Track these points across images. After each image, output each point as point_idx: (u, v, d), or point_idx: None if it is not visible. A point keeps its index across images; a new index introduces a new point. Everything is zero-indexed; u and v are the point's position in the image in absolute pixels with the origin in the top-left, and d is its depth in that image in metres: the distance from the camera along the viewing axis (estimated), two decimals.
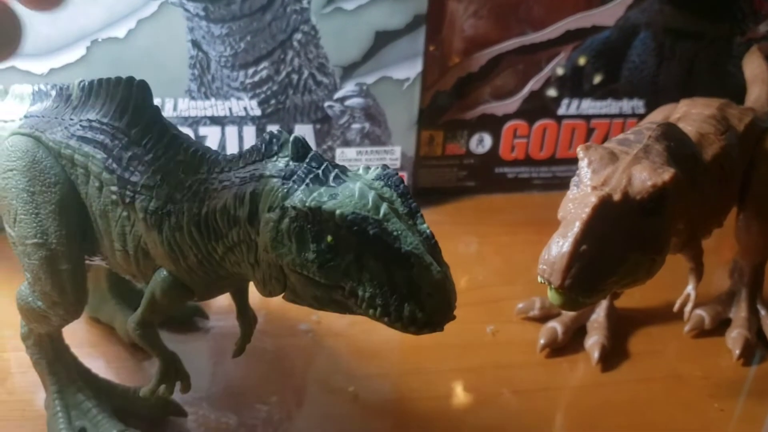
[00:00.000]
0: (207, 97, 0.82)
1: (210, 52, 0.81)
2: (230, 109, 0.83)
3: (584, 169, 0.51)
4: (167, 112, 0.82)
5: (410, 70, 0.86)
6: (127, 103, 0.51)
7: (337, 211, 0.40)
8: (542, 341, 0.70)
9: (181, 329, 0.70)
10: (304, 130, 0.86)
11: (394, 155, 0.90)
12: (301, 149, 0.44)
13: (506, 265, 0.86)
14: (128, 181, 0.49)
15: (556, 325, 0.71)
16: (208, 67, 0.81)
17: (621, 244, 0.48)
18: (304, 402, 0.63)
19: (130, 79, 0.51)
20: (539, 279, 0.48)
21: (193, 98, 0.82)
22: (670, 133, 0.56)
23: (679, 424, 0.63)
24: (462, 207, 0.98)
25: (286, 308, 0.70)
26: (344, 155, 0.89)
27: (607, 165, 0.50)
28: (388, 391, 0.65)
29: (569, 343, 0.71)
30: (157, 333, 0.53)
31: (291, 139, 0.44)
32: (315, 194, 0.41)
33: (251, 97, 0.83)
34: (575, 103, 0.96)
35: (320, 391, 0.65)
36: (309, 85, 0.84)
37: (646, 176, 0.49)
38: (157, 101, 0.79)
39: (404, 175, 0.92)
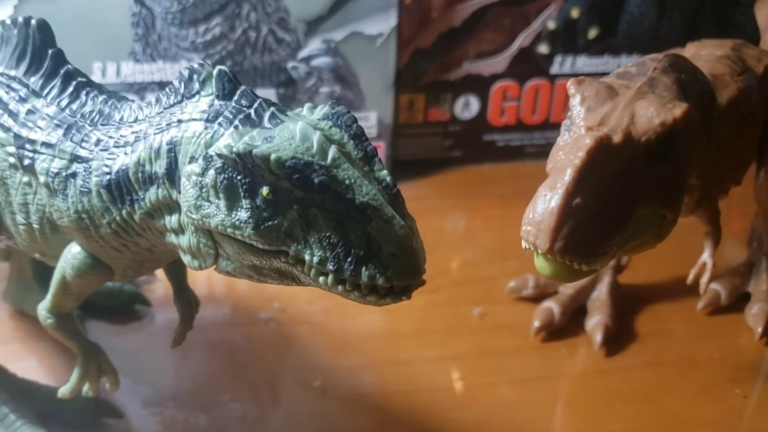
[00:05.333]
0: (154, 60, 0.79)
1: (155, 7, 0.77)
2: None
3: (577, 107, 0.46)
4: (109, 78, 0.78)
5: (383, 24, 0.82)
6: (24, 47, 0.47)
7: (273, 156, 0.35)
8: (537, 324, 0.67)
9: (120, 320, 0.66)
10: (266, 95, 0.79)
11: (369, 122, 0.86)
12: (227, 84, 0.40)
13: (498, 241, 0.84)
14: (26, 140, 0.45)
15: (552, 305, 0.67)
16: (154, 26, 0.77)
17: (624, 196, 0.43)
18: (264, 399, 0.60)
19: (27, 18, 0.47)
20: (523, 244, 0.43)
21: (138, 61, 0.79)
22: (679, 64, 0.50)
23: (695, 413, 0.60)
24: (447, 179, 0.95)
25: (243, 294, 0.71)
26: None
27: (605, 101, 0.45)
28: (360, 384, 0.62)
29: (568, 325, 0.68)
30: (74, 320, 0.49)
31: (215, 72, 0.40)
32: (246, 137, 0.37)
33: (204, 59, 0.80)
34: (569, 60, 0.93)
35: (283, 386, 0.62)
36: (269, 43, 0.80)
37: (652, 113, 0.44)
38: (97, 65, 0.78)
39: (381, 145, 0.88)
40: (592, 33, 0.92)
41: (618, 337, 0.66)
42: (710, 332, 0.68)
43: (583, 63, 0.93)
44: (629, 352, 0.65)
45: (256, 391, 0.60)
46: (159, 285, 0.70)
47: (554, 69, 0.93)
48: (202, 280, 0.71)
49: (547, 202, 0.41)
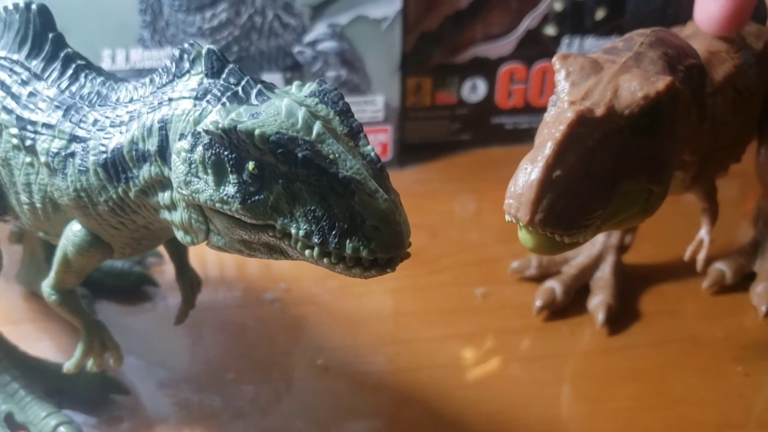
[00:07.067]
0: (161, 46, 0.78)
1: None
2: None
3: (561, 82, 0.45)
4: (119, 65, 0.78)
5: (388, 7, 0.80)
6: (26, 31, 0.47)
7: (257, 131, 0.36)
8: (539, 303, 0.66)
9: (129, 301, 0.66)
10: (273, 80, 0.81)
11: (376, 106, 0.85)
12: (216, 63, 0.40)
13: (504, 223, 0.83)
14: (28, 121, 0.46)
15: (554, 285, 0.67)
16: (161, 12, 0.77)
17: (607, 170, 0.42)
18: (268, 378, 0.60)
19: (28, 3, 0.47)
20: (506, 217, 0.43)
21: (146, 47, 0.78)
22: (667, 39, 0.49)
23: (698, 392, 0.59)
24: (456, 163, 0.93)
25: (249, 275, 0.71)
26: None
27: (589, 76, 0.44)
28: (365, 363, 0.61)
29: (570, 305, 0.67)
30: (77, 297, 0.50)
31: (204, 51, 0.41)
32: (232, 114, 0.37)
33: (211, 44, 0.77)
34: (577, 41, 0.92)
35: (287, 365, 0.62)
36: (275, 28, 0.79)
37: (636, 86, 0.43)
38: (107, 52, 0.78)
39: (389, 128, 0.87)
40: (600, 14, 0.91)
41: (622, 317, 0.65)
42: (715, 312, 0.67)
43: (591, 44, 0.92)
44: (633, 332, 0.64)
45: (260, 371, 0.60)
46: (168, 267, 0.68)
47: (562, 51, 0.87)
48: (212, 261, 0.71)
49: (527, 175, 0.40)
